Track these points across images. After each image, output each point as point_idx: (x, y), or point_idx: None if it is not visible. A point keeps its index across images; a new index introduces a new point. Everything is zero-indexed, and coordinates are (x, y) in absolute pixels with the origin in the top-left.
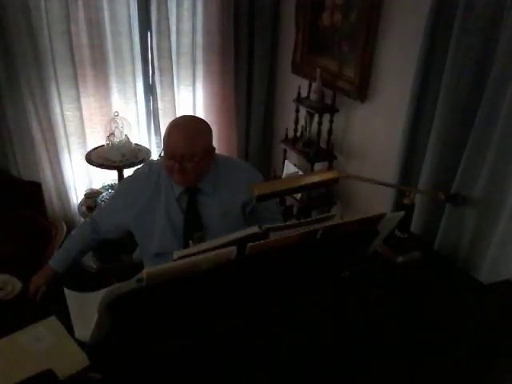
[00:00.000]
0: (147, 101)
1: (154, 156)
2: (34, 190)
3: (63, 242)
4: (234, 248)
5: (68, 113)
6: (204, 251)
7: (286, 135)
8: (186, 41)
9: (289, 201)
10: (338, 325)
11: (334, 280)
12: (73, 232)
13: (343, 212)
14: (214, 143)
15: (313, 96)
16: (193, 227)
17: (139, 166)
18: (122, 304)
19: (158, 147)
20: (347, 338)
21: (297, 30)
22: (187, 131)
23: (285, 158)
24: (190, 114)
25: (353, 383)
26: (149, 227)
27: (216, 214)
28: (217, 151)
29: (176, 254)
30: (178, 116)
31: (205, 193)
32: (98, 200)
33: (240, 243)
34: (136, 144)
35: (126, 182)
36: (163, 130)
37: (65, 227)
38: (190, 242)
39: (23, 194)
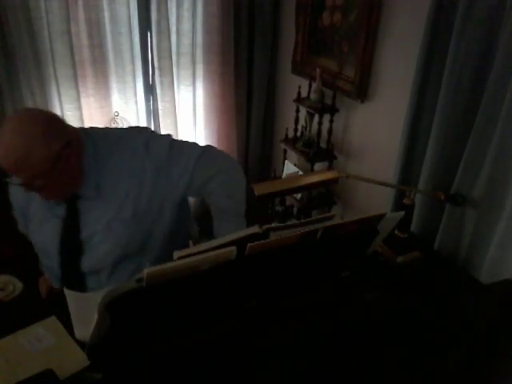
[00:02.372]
0: (147, 101)
1: None
2: None
3: None
4: (233, 248)
5: (68, 113)
6: (204, 251)
7: (286, 135)
8: (186, 41)
9: (289, 201)
10: (338, 325)
11: (333, 280)
12: None
13: (343, 212)
14: (214, 143)
15: (313, 96)
16: (70, 242)
17: None
18: (121, 304)
19: None
20: (347, 338)
21: (297, 30)
22: (11, 152)
23: (285, 158)
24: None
25: (353, 383)
26: (35, 238)
27: (104, 221)
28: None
29: (176, 254)
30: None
31: (87, 197)
32: None
33: (240, 243)
34: None
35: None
36: (163, 130)
37: None
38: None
39: None
